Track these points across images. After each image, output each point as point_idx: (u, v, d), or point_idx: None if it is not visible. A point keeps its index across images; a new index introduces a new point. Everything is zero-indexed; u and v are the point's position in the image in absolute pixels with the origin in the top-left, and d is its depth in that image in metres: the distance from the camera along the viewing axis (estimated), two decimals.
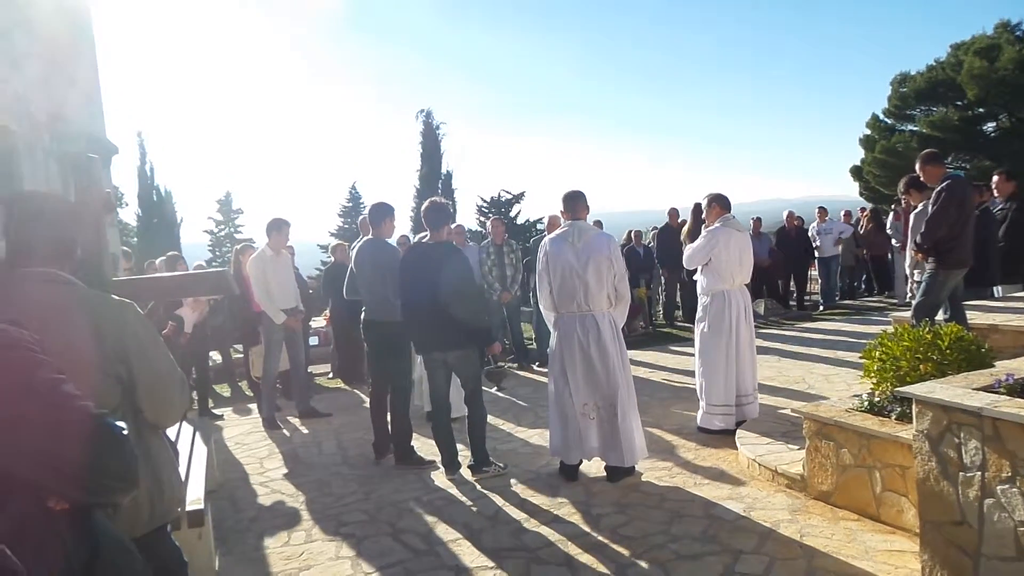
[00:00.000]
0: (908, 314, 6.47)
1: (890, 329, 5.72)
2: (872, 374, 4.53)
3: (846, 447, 4.37)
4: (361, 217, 8.97)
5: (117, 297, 2.22)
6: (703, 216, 6.36)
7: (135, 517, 2.12)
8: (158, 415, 2.23)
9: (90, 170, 2.66)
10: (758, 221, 12.84)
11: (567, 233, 5.23)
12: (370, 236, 6.03)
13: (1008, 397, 3.31)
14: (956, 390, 3.47)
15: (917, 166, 6.06)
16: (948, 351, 4.21)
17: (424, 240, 5.65)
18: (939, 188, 5.78)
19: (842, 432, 4.38)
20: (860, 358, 4.77)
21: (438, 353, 5.43)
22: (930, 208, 5.86)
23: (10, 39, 3.28)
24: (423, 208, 5.54)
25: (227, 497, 5.49)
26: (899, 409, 4.25)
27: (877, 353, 4.50)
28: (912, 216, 6.38)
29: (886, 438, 4.11)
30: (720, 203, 6.17)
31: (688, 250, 6.21)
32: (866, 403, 4.48)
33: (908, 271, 7.62)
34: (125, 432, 1.55)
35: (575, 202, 5.27)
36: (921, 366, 4.25)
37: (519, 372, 9.53)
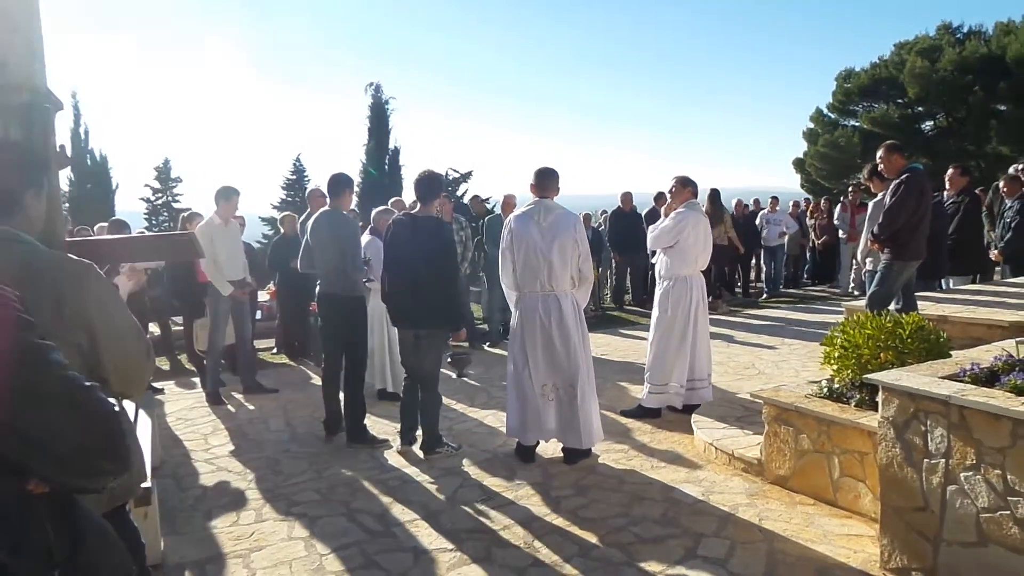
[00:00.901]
0: (860, 303, 6.57)
1: (843, 318, 5.80)
2: (833, 361, 4.56)
3: (805, 432, 4.39)
4: (311, 189, 8.71)
5: (75, 257, 2.03)
6: (670, 197, 6.25)
7: (95, 496, 1.96)
8: (125, 385, 2.05)
9: (44, 122, 2.45)
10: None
11: (533, 211, 5.13)
12: (327, 208, 5.83)
13: (974, 386, 3.34)
14: (923, 378, 3.50)
15: (878, 155, 6.12)
16: (909, 340, 4.25)
17: (414, 212, 5.45)
18: (898, 180, 5.85)
19: (801, 417, 4.41)
20: (821, 344, 4.79)
21: (412, 328, 5.29)
22: (888, 199, 5.92)
23: None
24: (416, 179, 5.36)
25: (171, 475, 5.27)
26: (858, 396, 4.29)
27: (839, 340, 4.52)
28: (871, 205, 6.46)
29: (846, 424, 4.14)
30: (692, 187, 6.15)
31: (653, 231, 6.16)
32: (825, 389, 4.51)
33: (860, 260, 7.72)
34: (117, 408, 1.39)
35: (547, 179, 5.15)
36: (882, 354, 4.28)
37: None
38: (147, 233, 7.95)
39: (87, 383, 1.33)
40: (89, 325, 1.92)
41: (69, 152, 3.17)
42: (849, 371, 4.44)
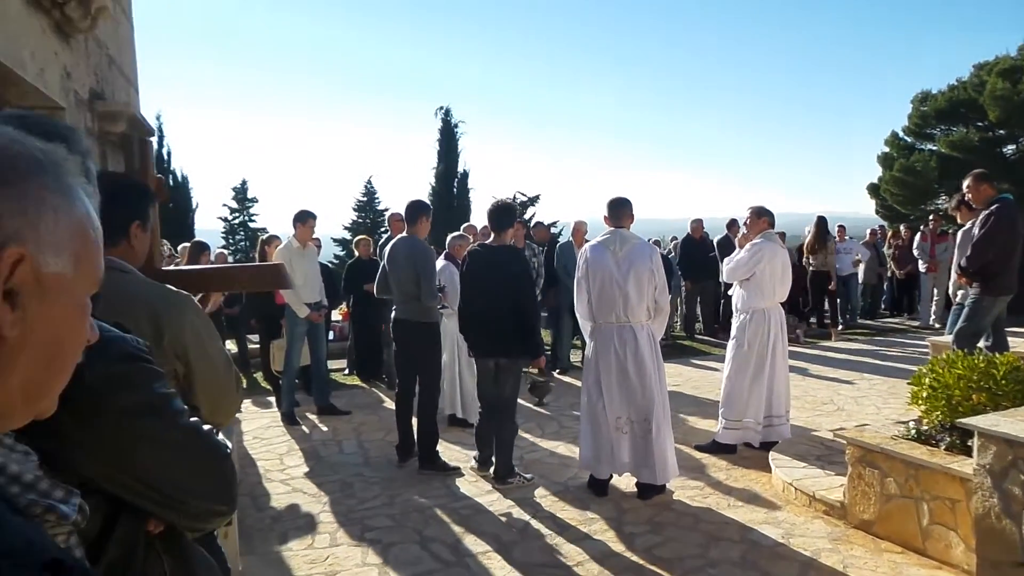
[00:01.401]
0: (945, 339, 6.34)
1: (929, 354, 5.59)
2: (921, 401, 4.40)
3: (892, 476, 4.24)
4: (392, 213, 8.84)
5: (175, 288, 2.09)
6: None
7: None
8: (215, 414, 2.10)
9: (145, 153, 2.55)
10: (782, 236, 12.68)
11: (608, 241, 5.10)
12: (404, 234, 5.91)
13: None
14: (1022, 424, 3.35)
15: (965, 184, 5.91)
16: (1004, 381, 4.08)
17: (489, 243, 5.51)
18: (988, 211, 5.64)
19: (888, 460, 4.25)
20: (908, 383, 4.63)
21: (492, 358, 5.33)
22: (976, 231, 5.72)
23: (64, 10, 3.16)
24: (489, 208, 5.44)
25: (248, 494, 5.37)
26: (949, 439, 4.13)
27: (927, 380, 4.36)
28: (959, 235, 6.23)
29: (936, 469, 3.98)
30: (769, 217, 6.00)
31: (729, 262, 6.06)
32: (913, 431, 4.35)
33: (951, 294, 7.46)
34: (229, 449, 1.42)
35: (620, 209, 5.14)
36: (974, 396, 4.12)
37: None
38: (237, 263, 8.17)
39: (205, 428, 1.37)
40: (185, 355, 1.98)
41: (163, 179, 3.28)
42: (939, 413, 4.28)
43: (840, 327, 12.93)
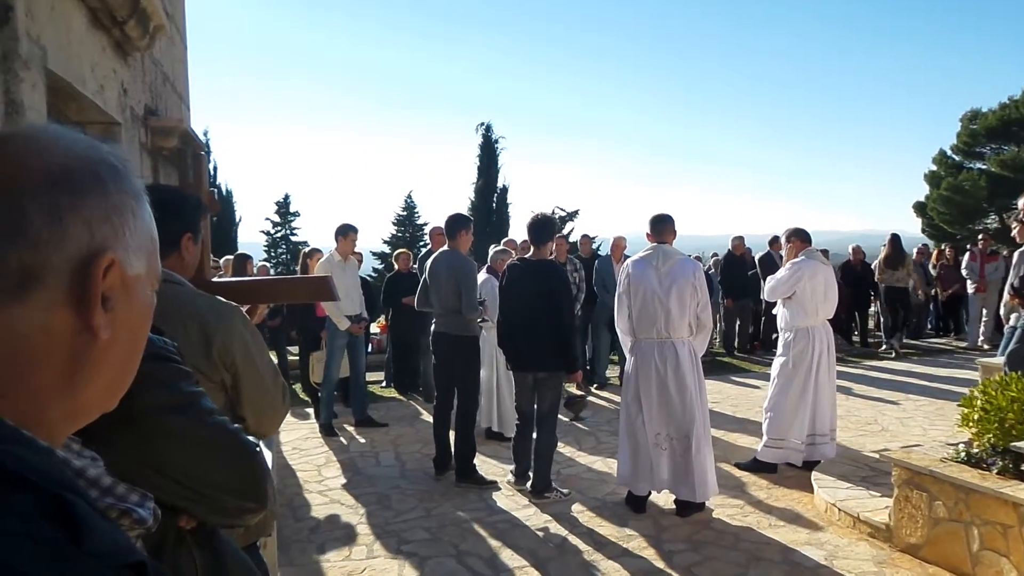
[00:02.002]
0: (995, 360, 6.17)
1: (978, 375, 5.44)
2: (972, 424, 4.28)
3: (940, 499, 4.12)
4: (432, 227, 8.90)
5: (224, 300, 2.12)
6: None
7: (230, 532, 2.02)
8: (261, 424, 2.13)
9: (199, 166, 2.59)
10: (825, 253, 12.50)
11: (651, 256, 5.08)
12: (446, 248, 5.94)
13: None
14: None
15: (1021, 203, 5.77)
16: None
17: (528, 257, 5.52)
18: None
19: (936, 483, 4.14)
20: (959, 405, 4.51)
21: (530, 372, 5.33)
22: None
23: (124, 29, 3.25)
24: (528, 223, 5.46)
25: (286, 505, 5.41)
26: (1001, 463, 4.00)
27: (979, 402, 4.24)
28: (1016, 255, 6.09)
29: (987, 493, 3.86)
30: (800, 237, 5.97)
31: (771, 281, 5.99)
32: (963, 453, 4.23)
33: (1003, 316, 7.28)
34: (259, 449, 1.45)
35: (662, 225, 5.12)
36: None
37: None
38: (283, 276, 8.31)
39: (233, 426, 1.39)
40: (233, 366, 2.00)
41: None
42: (991, 435, 4.15)
43: (885, 347, 12.69)
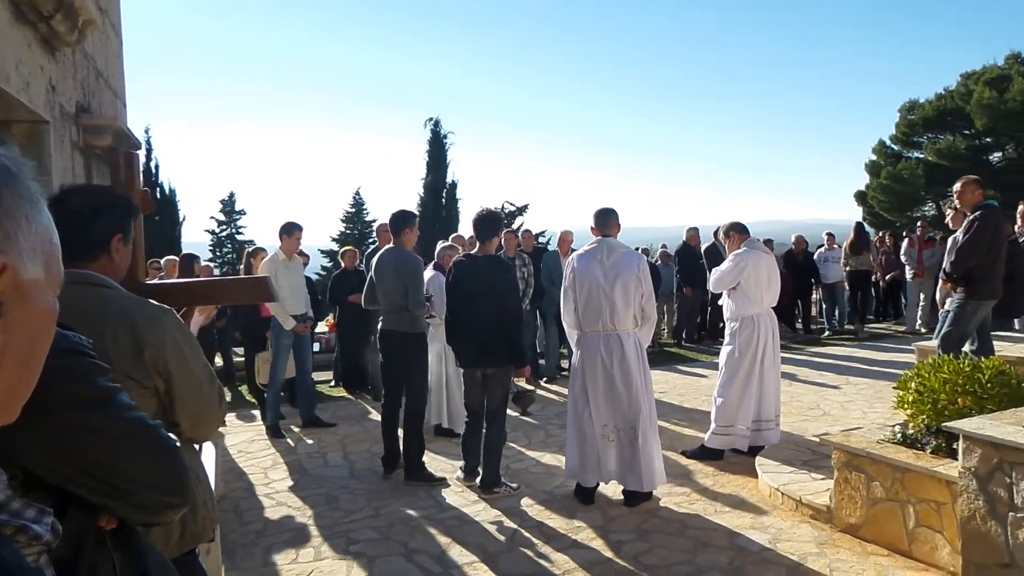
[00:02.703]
0: (931, 343, 6.35)
1: (914, 358, 5.59)
2: (907, 405, 4.39)
3: (878, 480, 4.23)
4: (379, 224, 8.82)
5: (156, 303, 2.06)
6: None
7: (165, 539, 1.97)
8: (197, 429, 2.09)
9: (131, 166, 2.52)
10: (770, 243, 12.74)
11: (596, 250, 5.10)
12: (391, 245, 5.89)
13: None
14: (1007, 427, 3.35)
15: (955, 188, 5.95)
16: (989, 385, 4.08)
17: (474, 252, 5.50)
18: (972, 217, 5.67)
19: (874, 464, 4.25)
20: (895, 388, 4.63)
21: (479, 368, 5.31)
22: (961, 236, 5.74)
23: (50, 24, 3.14)
24: (474, 218, 5.44)
25: (232, 508, 5.32)
26: (935, 443, 4.12)
27: (913, 384, 4.36)
28: (950, 241, 6.26)
29: (922, 472, 3.97)
30: (738, 229, 6.10)
31: (715, 273, 6.08)
32: (899, 435, 4.34)
33: (939, 301, 7.50)
34: (178, 444, 1.42)
35: (606, 219, 5.16)
36: (960, 400, 4.12)
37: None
38: (223, 277, 8.15)
39: (152, 421, 1.37)
40: (166, 370, 1.95)
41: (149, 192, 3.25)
42: (925, 416, 4.28)
43: (828, 333, 12.98)
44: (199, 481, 2.11)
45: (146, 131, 23.77)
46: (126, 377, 1.87)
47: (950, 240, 6.25)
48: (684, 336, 12.79)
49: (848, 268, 13.09)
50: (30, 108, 3.18)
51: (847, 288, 13.55)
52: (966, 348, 5.79)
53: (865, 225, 13.72)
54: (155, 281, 4.16)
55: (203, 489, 2.13)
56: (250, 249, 8.73)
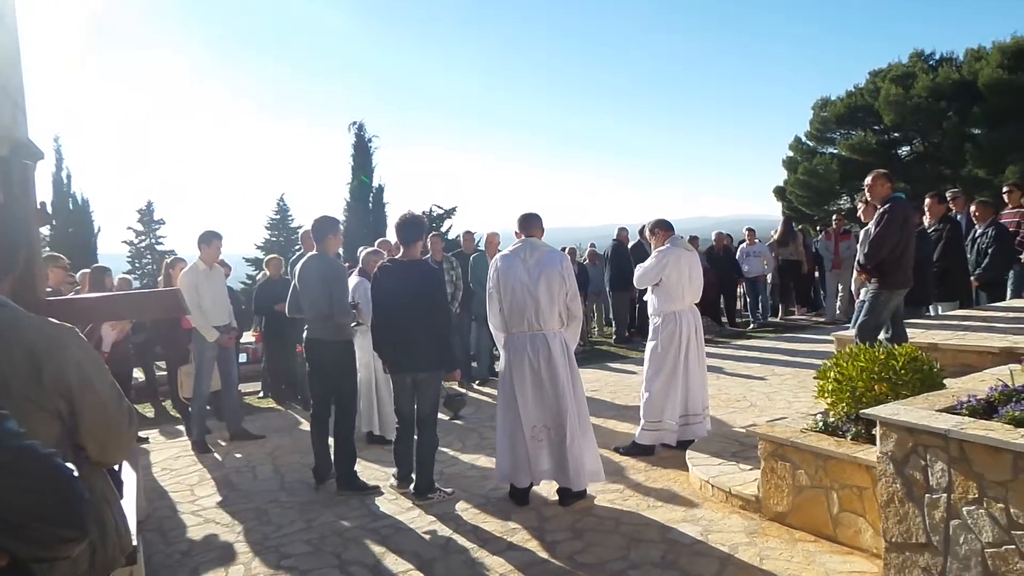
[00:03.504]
0: (849, 333, 6.56)
1: (834, 348, 5.76)
2: (827, 394, 4.52)
3: (802, 468, 4.34)
4: (303, 230, 8.66)
5: (56, 321, 1.96)
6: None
7: (72, 571, 1.86)
8: (104, 453, 1.98)
9: (25, 178, 2.41)
10: (695, 240, 13.00)
11: (519, 250, 5.12)
12: (315, 251, 5.78)
13: (972, 418, 3.32)
14: (920, 412, 3.47)
15: (866, 181, 6.15)
16: (903, 371, 4.22)
17: (398, 257, 5.44)
18: (882, 209, 5.88)
19: (798, 453, 4.35)
20: (815, 378, 4.76)
21: (408, 374, 5.25)
22: (873, 228, 5.95)
23: None
24: (396, 223, 5.38)
25: (155, 528, 5.14)
26: (855, 429, 4.25)
27: (832, 374, 4.49)
28: (862, 233, 6.49)
29: (843, 459, 4.09)
30: (663, 227, 6.19)
31: (639, 269, 6.16)
32: (821, 423, 4.46)
33: (854, 292, 7.76)
34: (75, 474, 1.35)
35: (530, 222, 5.19)
36: (876, 387, 4.25)
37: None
38: (131, 290, 7.84)
39: (45, 450, 1.30)
40: (68, 392, 1.85)
41: (49, 205, 3.11)
42: (844, 404, 4.40)
43: (752, 326, 13.31)
44: (108, 506, 2.02)
45: (55, 140, 22.93)
46: (25, 401, 1.77)
47: (862, 232, 6.48)
48: (607, 333, 12.95)
49: (780, 258, 13.80)
50: None
51: (770, 281, 13.95)
52: (881, 336, 6.00)
53: (793, 219, 14.84)
54: (56, 298, 3.99)
55: (114, 514, 2.04)
56: (168, 260, 8.47)
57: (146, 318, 6.57)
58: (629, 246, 12.51)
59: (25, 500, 1.23)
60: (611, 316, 13.32)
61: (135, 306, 2.76)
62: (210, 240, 7.14)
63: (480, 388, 9.35)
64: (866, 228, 6.74)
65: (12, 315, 1.87)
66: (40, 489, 1.26)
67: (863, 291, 6.37)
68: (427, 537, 4.72)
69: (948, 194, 8.97)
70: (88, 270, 8.59)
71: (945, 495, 3.25)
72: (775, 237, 14.19)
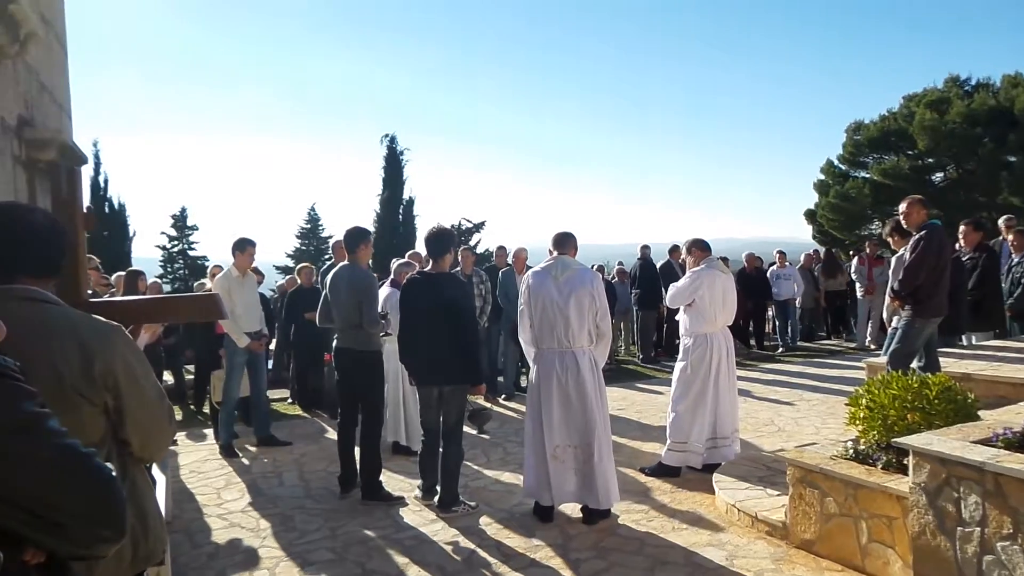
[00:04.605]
0: (880, 360, 6.49)
1: (864, 375, 5.70)
2: (858, 422, 4.48)
3: (831, 495, 4.29)
4: (335, 240, 8.75)
5: (104, 319, 2.02)
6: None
7: (117, 563, 1.91)
8: (146, 449, 2.05)
9: (73, 181, 2.47)
10: (725, 261, 12.91)
11: (551, 267, 5.14)
12: (346, 262, 5.84)
13: (1007, 451, 3.28)
14: (954, 443, 3.43)
15: (901, 208, 6.10)
16: (936, 401, 4.17)
17: (427, 270, 5.49)
18: (917, 236, 5.82)
19: (827, 480, 4.31)
20: (846, 404, 4.71)
21: (435, 386, 5.29)
22: (908, 255, 5.89)
23: None
24: (426, 236, 5.44)
25: (183, 530, 5.20)
26: (885, 458, 4.20)
27: (864, 401, 4.45)
28: (893, 260, 6.43)
29: (874, 488, 4.04)
30: (700, 247, 6.16)
31: (672, 289, 6.16)
32: (851, 451, 4.41)
33: (886, 320, 7.68)
34: (114, 474, 1.38)
35: (564, 241, 5.25)
36: (909, 415, 4.20)
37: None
38: (171, 294, 7.98)
39: (85, 449, 1.32)
40: (115, 386, 1.92)
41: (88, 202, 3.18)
42: (875, 432, 4.35)
43: (781, 350, 13.19)
44: (149, 499, 2.07)
45: (94, 144, 23.36)
46: (76, 394, 1.83)
47: (894, 259, 6.42)
48: (633, 353, 12.89)
49: (826, 290, 14.36)
50: None
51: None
52: (914, 365, 5.93)
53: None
54: (103, 299, 4.07)
55: (154, 507, 2.09)
56: (211, 267, 8.61)
57: (185, 321, 6.66)
58: (658, 266, 12.48)
59: (65, 499, 1.25)
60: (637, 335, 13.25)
61: (176, 309, 2.81)
62: (244, 247, 7.23)
63: (505, 403, 9.34)
64: (899, 254, 6.67)
65: (64, 311, 1.95)
66: (80, 488, 1.28)
67: (895, 318, 6.30)
68: (450, 550, 4.72)
69: (1002, 221, 8.96)
70: (123, 273, 8.74)
71: (979, 529, 3.20)
72: (820, 268, 14.44)
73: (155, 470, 4.90)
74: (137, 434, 2.00)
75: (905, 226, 6.24)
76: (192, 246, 31.08)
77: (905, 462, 3.81)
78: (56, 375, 1.81)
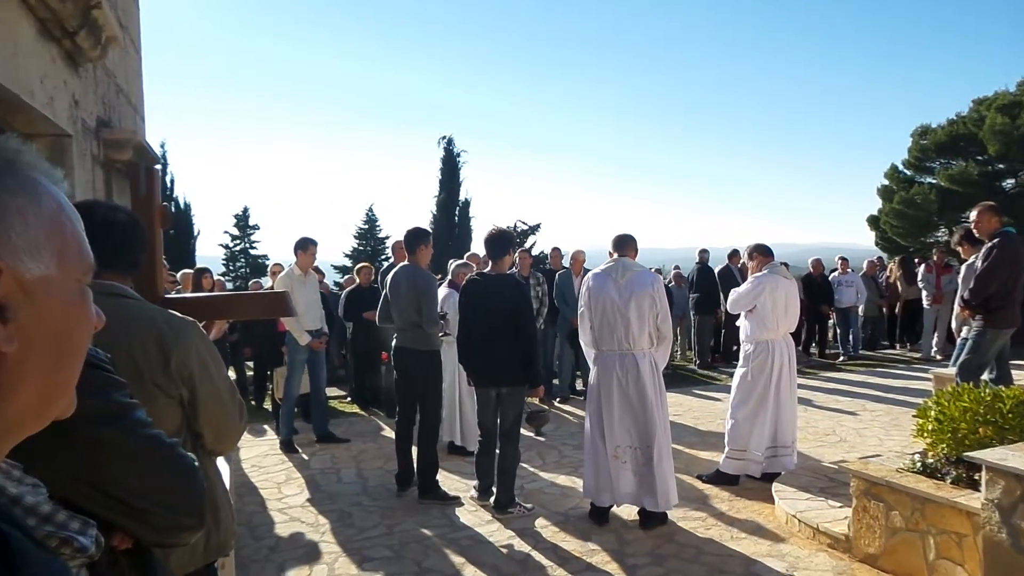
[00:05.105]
0: (948, 371, 6.31)
1: (932, 386, 5.54)
2: (927, 434, 4.36)
3: (897, 509, 4.18)
4: (395, 241, 8.85)
5: (179, 314, 2.08)
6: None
7: (191, 553, 1.97)
8: (218, 441, 2.10)
9: (151, 180, 2.55)
10: (786, 267, 12.67)
11: (611, 269, 5.12)
12: (406, 262, 5.91)
13: None
14: None
15: (972, 215, 5.92)
16: (1010, 415, 4.04)
17: (486, 271, 5.53)
18: (990, 244, 5.65)
19: (893, 493, 4.20)
20: (914, 416, 4.59)
21: (492, 387, 5.32)
22: (980, 264, 5.71)
23: (75, 40, 3.18)
24: (485, 237, 5.48)
25: (245, 523, 5.31)
26: (955, 473, 4.08)
27: (933, 413, 4.32)
28: (963, 269, 6.24)
29: (942, 503, 3.93)
30: (762, 252, 6.07)
31: (733, 294, 6.08)
32: (919, 464, 4.30)
33: (955, 329, 7.46)
34: (196, 464, 1.42)
35: (624, 243, 5.21)
36: (981, 429, 4.07)
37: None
38: (237, 291, 8.19)
39: (170, 440, 1.36)
40: (190, 379, 1.98)
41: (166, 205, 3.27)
42: (944, 446, 4.23)
43: (843, 358, 12.90)
44: (219, 492, 2.12)
45: (162, 145, 24.02)
46: (154, 386, 1.89)
47: (964, 268, 6.22)
48: (690, 358, 12.74)
49: (904, 298, 13.97)
50: (53, 122, 3.21)
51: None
52: (984, 377, 5.75)
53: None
54: (176, 295, 4.19)
55: (225, 499, 2.15)
56: (272, 265, 8.80)
57: (256, 318, 6.81)
58: (716, 271, 12.32)
59: (151, 487, 1.29)
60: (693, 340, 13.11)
61: (247, 306, 2.87)
62: (306, 246, 7.36)
63: (560, 405, 9.32)
64: (969, 262, 6.47)
65: (142, 306, 2.01)
66: (166, 477, 1.33)
67: (964, 328, 6.12)
68: (505, 552, 4.74)
69: None
70: (190, 270, 8.99)
71: None
72: (900, 276, 14.08)
73: (220, 462, 5.03)
74: (210, 427, 2.06)
75: (976, 234, 6.06)
76: (253, 245, 31.76)
77: (976, 477, 3.69)
78: (135, 368, 1.87)
